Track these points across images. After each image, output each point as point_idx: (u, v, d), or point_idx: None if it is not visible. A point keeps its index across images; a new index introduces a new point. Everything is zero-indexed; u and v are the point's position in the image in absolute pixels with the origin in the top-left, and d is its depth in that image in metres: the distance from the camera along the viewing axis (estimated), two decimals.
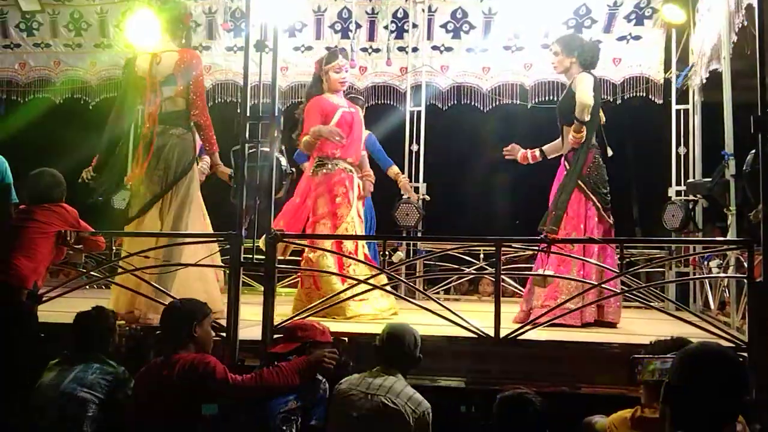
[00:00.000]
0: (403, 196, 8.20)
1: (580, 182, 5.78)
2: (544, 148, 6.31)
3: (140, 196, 5.57)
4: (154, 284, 5.08)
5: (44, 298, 4.97)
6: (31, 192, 5.07)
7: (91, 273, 5.70)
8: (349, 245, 6.05)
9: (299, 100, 8.49)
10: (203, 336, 3.93)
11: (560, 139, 6.14)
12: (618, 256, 5.01)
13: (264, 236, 4.79)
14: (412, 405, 3.59)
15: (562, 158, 6.02)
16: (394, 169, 7.67)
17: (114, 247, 5.39)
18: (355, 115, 6.35)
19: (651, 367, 2.52)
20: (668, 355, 2.52)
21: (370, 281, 5.40)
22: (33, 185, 5.07)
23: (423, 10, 8.43)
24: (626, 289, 5.41)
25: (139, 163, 5.55)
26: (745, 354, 4.26)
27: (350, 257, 5.89)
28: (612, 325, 5.73)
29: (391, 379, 3.70)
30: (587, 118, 5.72)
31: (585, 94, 5.72)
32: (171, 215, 5.48)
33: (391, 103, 8.59)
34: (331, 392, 3.89)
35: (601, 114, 5.99)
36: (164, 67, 5.58)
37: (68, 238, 4.96)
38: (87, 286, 5.92)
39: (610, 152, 6.03)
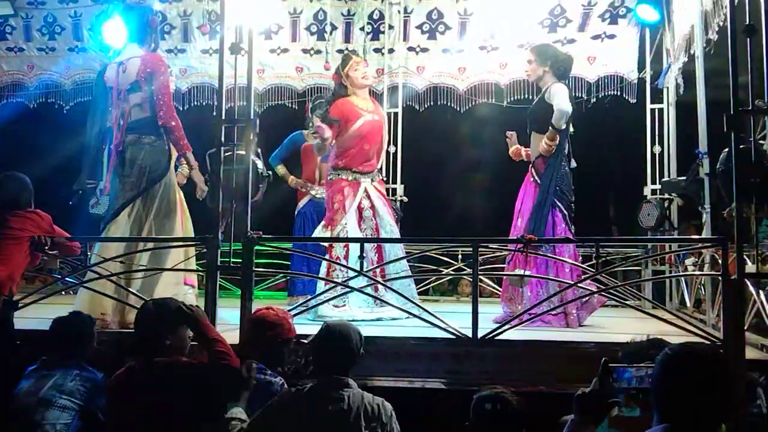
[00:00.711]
0: None
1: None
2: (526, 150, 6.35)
3: (115, 202, 5.56)
4: (130, 290, 5.08)
5: (20, 305, 4.93)
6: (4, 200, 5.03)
7: (67, 279, 5.65)
8: (338, 250, 6.11)
9: (276, 102, 8.51)
10: (177, 342, 3.82)
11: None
12: (593, 255, 5.03)
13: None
14: (377, 422, 3.38)
15: (530, 165, 6.08)
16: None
17: (89, 253, 5.33)
18: (375, 123, 6.40)
19: (627, 375, 2.55)
20: (643, 364, 2.58)
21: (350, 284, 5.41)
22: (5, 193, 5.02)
23: (398, 12, 8.42)
24: (603, 287, 5.45)
25: (112, 170, 5.55)
26: (721, 351, 4.30)
27: (337, 263, 5.95)
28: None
29: (346, 392, 3.42)
30: (564, 126, 5.80)
31: (565, 103, 5.81)
32: (151, 221, 5.48)
33: None
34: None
35: (570, 126, 6.05)
36: (129, 74, 5.58)
37: (44, 244, 4.91)
38: (63, 292, 5.87)
39: (573, 164, 6.11)
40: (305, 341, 4.25)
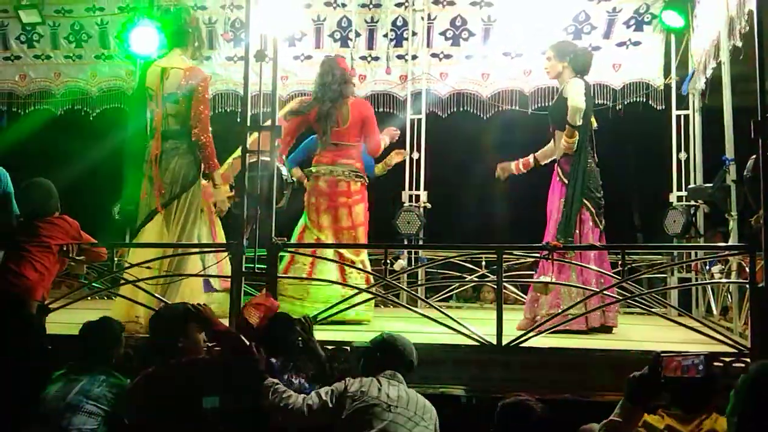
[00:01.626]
0: (404, 204, 8.21)
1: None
2: (536, 154, 6.36)
3: (146, 207, 5.59)
4: (157, 295, 5.11)
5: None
6: (26, 206, 5.08)
7: (93, 284, 5.69)
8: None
9: None
10: (190, 344, 3.88)
11: (552, 143, 6.20)
12: (620, 261, 4.99)
13: None
14: (428, 415, 3.54)
15: (555, 164, 6.05)
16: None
17: (116, 258, 5.37)
18: None
19: (674, 365, 2.61)
20: (690, 352, 2.64)
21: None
22: (27, 199, 5.07)
23: (422, 18, 8.42)
24: (628, 295, 5.40)
25: (154, 178, 5.55)
26: (748, 359, 4.26)
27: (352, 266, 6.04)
28: (609, 329, 5.73)
29: (403, 388, 3.60)
30: (579, 122, 5.78)
31: (576, 98, 5.78)
32: (178, 227, 5.51)
33: (391, 110, 8.59)
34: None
35: (593, 120, 6.02)
36: (170, 83, 5.59)
37: (70, 252, 4.96)
38: (89, 297, 5.91)
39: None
40: (331, 348, 4.29)
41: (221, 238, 6.28)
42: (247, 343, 3.76)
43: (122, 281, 5.37)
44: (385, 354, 3.79)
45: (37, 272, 4.70)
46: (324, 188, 6.25)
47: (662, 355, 2.65)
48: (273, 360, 3.88)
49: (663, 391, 2.76)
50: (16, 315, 4.55)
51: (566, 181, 5.87)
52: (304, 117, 6.37)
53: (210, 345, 4.16)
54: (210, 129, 5.61)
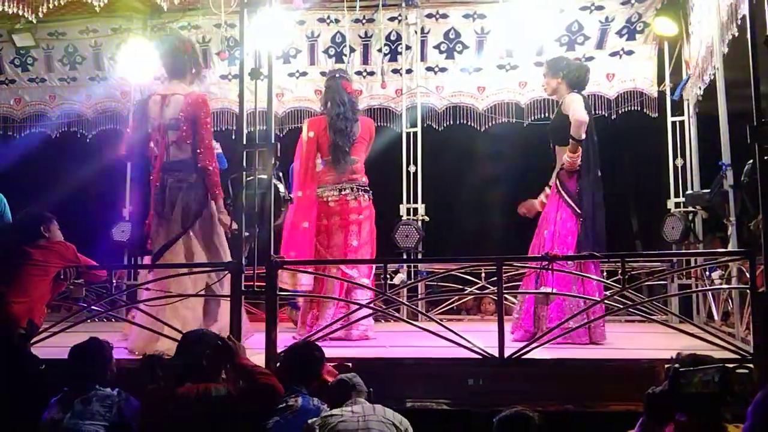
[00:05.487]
0: (402, 218, 8.20)
1: (571, 202, 5.81)
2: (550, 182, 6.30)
3: (159, 237, 5.52)
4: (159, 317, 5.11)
5: (46, 334, 4.97)
6: (18, 233, 5.09)
7: (92, 307, 5.66)
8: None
9: (295, 126, 8.47)
10: (215, 371, 3.91)
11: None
12: (619, 270, 4.97)
13: None
14: (396, 423, 3.64)
15: (555, 177, 6.03)
16: None
17: (114, 280, 5.32)
18: None
19: (695, 380, 2.57)
20: (709, 367, 2.59)
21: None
22: (17, 227, 5.10)
23: (416, 32, 8.44)
24: (629, 303, 5.39)
25: (153, 209, 5.54)
26: (751, 365, 4.25)
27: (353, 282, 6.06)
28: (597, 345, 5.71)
29: (368, 405, 3.71)
30: (583, 135, 5.75)
31: (580, 112, 5.77)
32: (200, 249, 5.49)
33: (388, 124, 8.60)
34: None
35: (594, 136, 6.00)
36: (171, 110, 5.51)
37: (68, 277, 4.95)
38: (88, 320, 5.88)
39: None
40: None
41: None
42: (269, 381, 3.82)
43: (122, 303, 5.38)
44: (343, 390, 3.85)
45: (24, 300, 4.70)
46: (334, 207, 6.24)
47: (679, 370, 2.60)
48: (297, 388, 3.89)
49: (682, 405, 2.71)
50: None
51: (566, 197, 5.85)
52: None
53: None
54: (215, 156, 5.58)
